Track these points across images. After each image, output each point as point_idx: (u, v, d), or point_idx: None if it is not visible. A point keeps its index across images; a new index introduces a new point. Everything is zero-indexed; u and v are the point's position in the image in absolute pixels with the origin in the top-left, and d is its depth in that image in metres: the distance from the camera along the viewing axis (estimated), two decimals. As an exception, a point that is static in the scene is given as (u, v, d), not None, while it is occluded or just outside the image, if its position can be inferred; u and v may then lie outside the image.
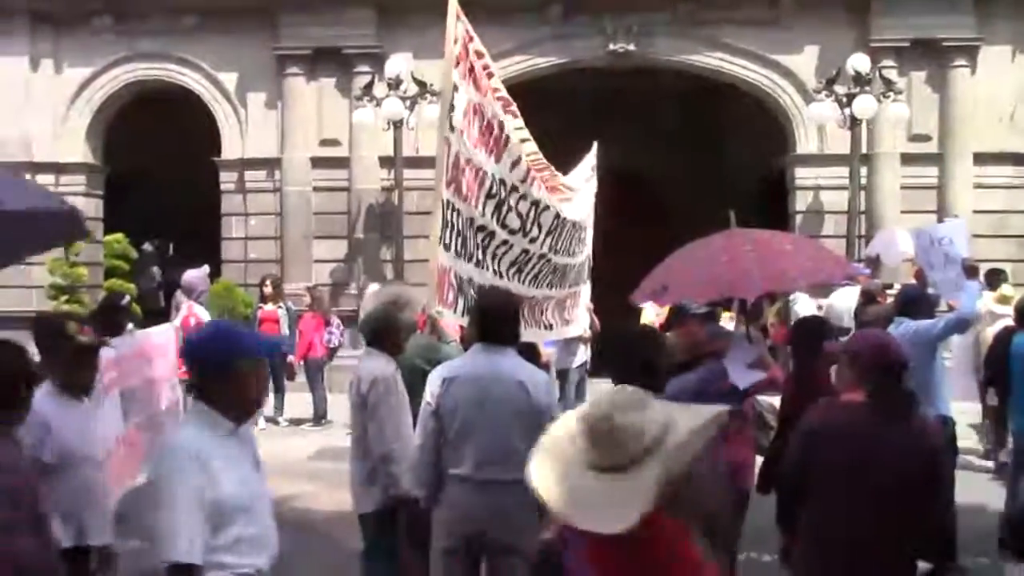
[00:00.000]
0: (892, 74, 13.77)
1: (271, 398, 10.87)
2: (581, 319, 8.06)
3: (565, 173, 7.14)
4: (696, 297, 5.65)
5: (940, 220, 12.87)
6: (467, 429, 4.26)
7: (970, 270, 7.57)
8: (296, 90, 14.75)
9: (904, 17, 13.88)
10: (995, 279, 9.70)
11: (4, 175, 4.60)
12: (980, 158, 14.18)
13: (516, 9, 14.17)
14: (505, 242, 6.06)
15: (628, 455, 2.07)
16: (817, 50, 14.38)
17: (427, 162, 12.75)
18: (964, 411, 8.40)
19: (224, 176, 15.19)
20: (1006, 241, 14.05)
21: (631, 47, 14.47)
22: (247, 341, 3.16)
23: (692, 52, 14.62)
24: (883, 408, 3.61)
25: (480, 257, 5.90)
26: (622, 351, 3.92)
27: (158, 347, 6.48)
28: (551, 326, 7.05)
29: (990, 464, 9.03)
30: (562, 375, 10.25)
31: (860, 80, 13.16)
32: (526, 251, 6.24)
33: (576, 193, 7.10)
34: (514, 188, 5.97)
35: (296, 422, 11.82)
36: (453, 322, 5.97)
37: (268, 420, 11.40)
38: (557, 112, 14.60)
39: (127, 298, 8.14)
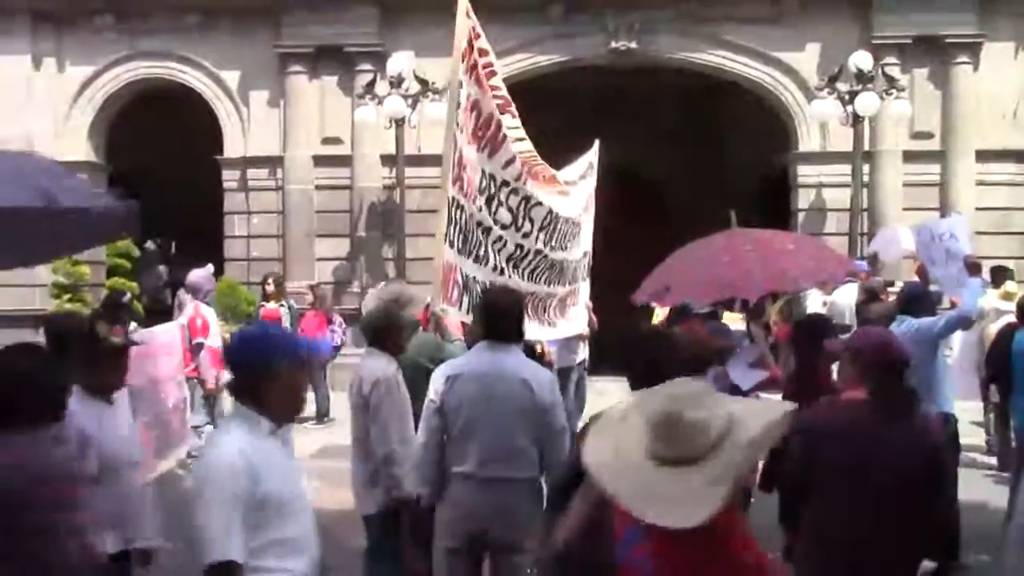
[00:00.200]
0: (894, 71, 13.73)
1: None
2: (581, 317, 8.06)
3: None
4: (698, 297, 5.66)
5: (943, 217, 12.83)
6: (471, 427, 4.27)
7: (972, 267, 7.55)
8: (298, 88, 14.74)
9: (906, 14, 13.82)
10: (1000, 276, 9.68)
11: (60, 171, 4.48)
12: (983, 155, 14.14)
13: (518, 7, 14.13)
14: (500, 238, 6.07)
15: (695, 449, 2.07)
16: (819, 47, 14.33)
17: (429, 160, 12.80)
18: (966, 409, 8.38)
19: (226, 174, 15.17)
20: (1009, 238, 14.02)
21: (633, 45, 14.42)
22: (288, 343, 3.15)
23: (694, 50, 14.57)
24: (885, 406, 3.62)
25: (480, 253, 5.91)
26: (631, 352, 3.92)
27: (164, 346, 6.50)
28: (554, 324, 7.04)
29: (993, 461, 9.03)
30: (563, 373, 10.22)
31: (862, 77, 13.13)
32: (520, 246, 6.24)
33: (572, 187, 7.09)
34: (504, 183, 5.97)
35: (299, 420, 11.79)
36: (456, 320, 5.97)
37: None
38: (558, 110, 14.63)
39: (128, 295, 8.16)
